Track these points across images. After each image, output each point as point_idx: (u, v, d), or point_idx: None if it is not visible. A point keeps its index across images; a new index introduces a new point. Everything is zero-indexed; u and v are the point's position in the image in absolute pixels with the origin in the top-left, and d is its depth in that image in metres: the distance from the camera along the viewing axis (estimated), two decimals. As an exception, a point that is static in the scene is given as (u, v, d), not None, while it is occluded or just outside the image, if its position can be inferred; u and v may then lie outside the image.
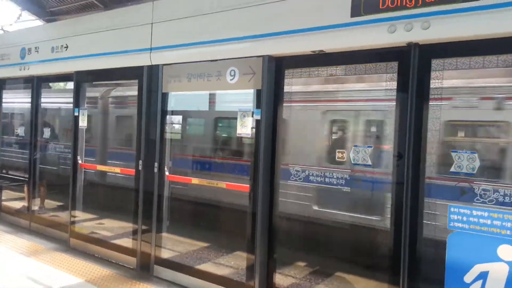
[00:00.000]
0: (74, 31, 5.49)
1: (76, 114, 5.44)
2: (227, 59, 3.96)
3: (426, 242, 3.01)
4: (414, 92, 2.99)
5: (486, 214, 2.75)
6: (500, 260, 2.69)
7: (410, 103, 3.00)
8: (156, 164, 4.51)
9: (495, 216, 2.72)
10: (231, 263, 4.20)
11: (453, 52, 2.91)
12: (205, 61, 4.13)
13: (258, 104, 3.76)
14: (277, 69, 3.76)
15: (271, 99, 3.75)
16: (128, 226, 4.80)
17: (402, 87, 3.08)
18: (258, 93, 3.76)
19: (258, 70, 3.74)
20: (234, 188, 4.14)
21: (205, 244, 4.54)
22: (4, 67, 6.58)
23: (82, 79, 5.45)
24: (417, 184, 2.97)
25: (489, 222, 2.73)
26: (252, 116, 3.87)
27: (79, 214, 5.49)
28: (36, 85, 6.24)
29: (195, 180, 4.38)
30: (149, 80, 4.60)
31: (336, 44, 3.32)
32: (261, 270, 3.72)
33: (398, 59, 3.13)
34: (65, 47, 5.59)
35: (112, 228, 5.26)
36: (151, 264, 4.52)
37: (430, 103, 2.96)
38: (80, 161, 5.43)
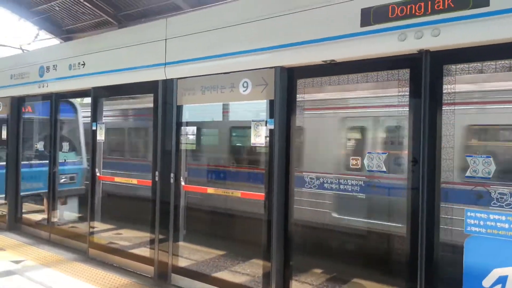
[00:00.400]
0: (90, 49, 5.67)
1: (94, 128, 5.58)
2: (240, 71, 4.05)
3: (443, 247, 3.02)
4: (427, 98, 3.02)
5: (503, 218, 2.75)
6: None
7: (424, 109, 3.03)
8: (172, 175, 4.60)
9: (512, 220, 2.71)
10: (247, 271, 4.24)
11: (464, 58, 2.95)
12: (218, 73, 4.23)
13: (271, 114, 3.83)
14: (289, 79, 3.83)
15: (283, 108, 3.81)
16: (146, 235, 4.89)
17: (414, 94, 3.12)
18: (271, 103, 3.83)
19: (271, 81, 3.82)
20: (249, 196, 4.19)
21: (222, 252, 4.59)
22: (24, 85, 6.81)
23: (99, 94, 5.61)
24: (432, 189, 2.99)
25: (506, 226, 2.73)
26: (266, 126, 3.93)
27: (98, 225, 5.60)
28: (55, 101, 6.44)
29: (210, 190, 4.45)
30: (164, 93, 4.71)
31: (347, 53, 3.38)
32: (277, 278, 3.75)
33: (409, 66, 3.18)
34: (82, 64, 5.77)
35: (130, 238, 5.35)
36: (169, 273, 4.59)
37: (443, 108, 3.00)
38: (98, 174, 5.56)
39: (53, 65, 6.26)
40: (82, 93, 5.92)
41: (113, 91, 5.52)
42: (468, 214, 2.86)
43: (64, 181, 6.89)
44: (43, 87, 6.44)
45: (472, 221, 2.84)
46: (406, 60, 3.17)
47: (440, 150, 2.99)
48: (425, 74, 3.04)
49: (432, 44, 2.97)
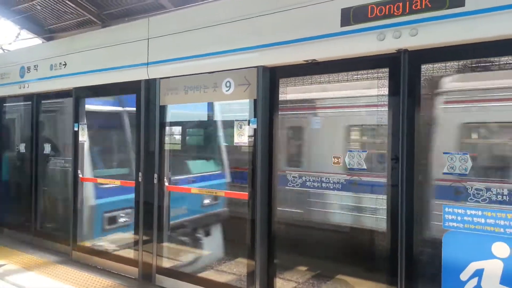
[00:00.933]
0: (72, 49, 5.61)
1: (76, 129, 5.52)
2: (222, 71, 4.06)
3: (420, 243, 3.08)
4: (405, 96, 3.08)
5: (480, 213, 2.82)
6: (494, 257, 2.75)
7: (402, 107, 3.08)
8: (155, 175, 4.58)
9: (488, 215, 2.78)
10: (233, 270, 4.25)
11: (441, 57, 3.01)
12: (201, 73, 4.23)
13: (254, 114, 3.85)
14: (271, 79, 3.86)
15: (266, 108, 3.84)
16: (130, 237, 4.86)
17: (393, 92, 3.18)
18: (254, 103, 3.85)
19: (253, 80, 3.84)
20: (233, 196, 4.21)
21: (207, 252, 4.59)
22: (4, 85, 6.69)
23: (81, 94, 5.54)
24: (411, 186, 3.05)
25: (483, 220, 2.80)
26: (249, 125, 3.95)
27: (81, 227, 5.54)
28: (36, 102, 6.34)
29: (194, 190, 4.45)
30: (147, 93, 4.69)
31: (327, 53, 3.42)
32: (261, 276, 3.77)
33: (388, 65, 3.23)
34: (63, 65, 5.70)
35: (113, 239, 5.31)
36: (153, 274, 4.57)
37: (420, 107, 3.06)
38: (80, 175, 5.50)
39: (34, 65, 6.17)
40: (63, 94, 5.84)
41: (95, 92, 5.47)
42: (446, 209, 2.92)
43: (208, 202, 5.05)
44: (24, 87, 6.33)
45: (450, 217, 2.91)
46: (385, 59, 3.22)
47: (418, 148, 3.05)
48: (403, 73, 3.09)
49: (410, 44, 3.03)
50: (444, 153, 2.99)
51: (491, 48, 2.81)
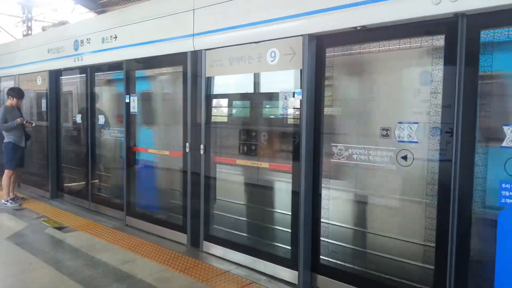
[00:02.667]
0: (121, 22, 5.74)
1: (127, 100, 5.72)
2: (267, 40, 3.98)
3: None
4: (462, 64, 2.86)
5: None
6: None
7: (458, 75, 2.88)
8: (202, 146, 4.67)
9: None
10: (276, 239, 4.31)
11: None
12: (245, 43, 4.18)
13: (300, 84, 3.77)
14: (317, 48, 3.73)
15: (312, 78, 3.74)
16: (179, 204, 5.06)
17: (449, 60, 2.97)
18: (300, 73, 3.76)
19: (299, 50, 3.74)
20: (277, 168, 4.21)
21: (252, 221, 4.68)
22: (60, 58, 7.02)
23: (132, 67, 5.70)
24: (466, 156, 2.88)
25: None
26: (294, 97, 3.89)
27: (134, 195, 5.84)
28: (90, 74, 6.62)
29: (239, 161, 4.50)
30: (193, 65, 4.73)
31: (378, 18, 3.22)
32: (305, 248, 3.80)
33: (445, 31, 3.00)
34: (114, 37, 5.86)
35: (165, 207, 5.54)
36: (201, 240, 4.76)
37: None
38: (132, 145, 5.74)
39: (87, 39, 6.40)
40: (115, 66, 6.04)
41: (144, 64, 5.60)
42: (503, 185, 2.74)
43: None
44: (78, 60, 6.62)
45: (507, 193, 2.73)
46: (441, 24, 2.99)
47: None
48: (460, 40, 2.86)
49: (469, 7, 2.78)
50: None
51: None
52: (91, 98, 6.66)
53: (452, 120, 2.93)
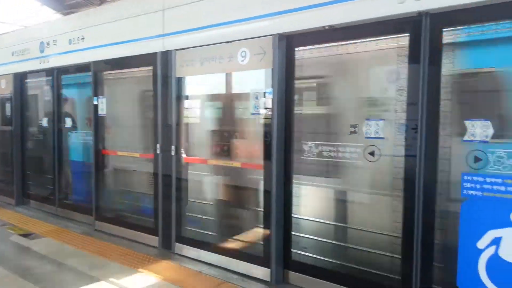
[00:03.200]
0: (89, 22, 5.64)
1: (95, 102, 5.61)
2: (237, 40, 4.00)
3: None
4: (426, 61, 2.97)
5: (500, 180, 2.74)
6: (513, 225, 2.70)
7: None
8: (173, 148, 4.63)
9: (509, 182, 2.71)
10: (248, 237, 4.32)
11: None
12: (216, 43, 4.19)
13: (270, 84, 3.80)
14: (287, 47, 3.79)
15: (282, 78, 3.78)
16: (150, 207, 4.98)
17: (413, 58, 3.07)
18: (270, 73, 3.79)
19: (269, 49, 3.78)
20: (249, 167, 4.23)
21: (225, 220, 4.67)
22: (25, 61, 6.81)
23: (100, 68, 5.60)
24: (430, 152, 2.98)
25: (503, 188, 2.73)
26: (265, 96, 3.92)
27: (103, 199, 5.71)
28: (56, 76, 6.45)
29: (211, 161, 4.49)
30: (164, 65, 4.69)
31: (345, 17, 3.30)
32: (277, 245, 3.82)
33: (409, 30, 3.11)
34: (81, 39, 5.74)
35: (135, 210, 5.45)
36: (172, 242, 4.70)
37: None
38: (101, 148, 5.62)
39: (53, 40, 6.24)
40: (83, 68, 5.91)
41: (113, 65, 5.51)
42: (465, 177, 2.85)
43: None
44: (44, 62, 6.44)
45: (469, 185, 2.84)
46: (405, 23, 3.10)
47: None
48: (424, 37, 2.97)
49: (432, 6, 2.89)
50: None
51: None
52: (58, 101, 6.48)
53: (417, 117, 3.03)
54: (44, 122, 6.78)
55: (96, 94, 5.62)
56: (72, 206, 6.35)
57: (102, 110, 5.57)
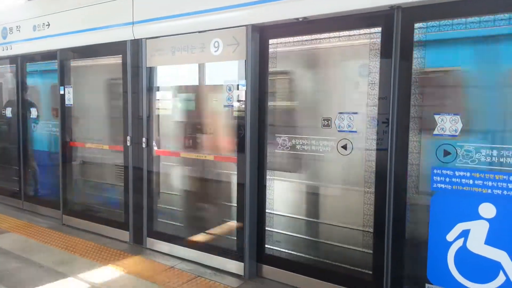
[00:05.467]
0: (55, 8, 5.38)
1: (62, 92, 5.39)
2: (210, 30, 3.90)
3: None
4: (398, 56, 2.98)
5: (468, 174, 2.79)
6: (481, 218, 2.76)
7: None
8: (144, 140, 4.51)
9: (477, 176, 2.77)
10: (222, 232, 4.28)
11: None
12: (188, 33, 4.08)
13: (244, 76, 3.74)
14: (261, 39, 3.72)
15: (256, 69, 3.72)
16: (121, 200, 4.85)
17: (385, 52, 3.07)
18: (243, 64, 3.73)
19: (242, 40, 3.70)
20: (222, 160, 4.17)
21: (198, 214, 4.61)
22: (-14, 47, 6.46)
23: (67, 56, 5.37)
24: (400, 146, 3.00)
25: (471, 182, 2.79)
26: (238, 89, 3.86)
27: (71, 192, 5.52)
28: (21, 64, 6.16)
29: (183, 154, 4.40)
30: (134, 54, 4.54)
31: (319, 9, 3.26)
32: (250, 239, 3.80)
33: (381, 24, 3.10)
34: (47, 25, 5.49)
35: (105, 203, 5.31)
36: (144, 237, 4.60)
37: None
38: (68, 140, 5.42)
39: (17, 26, 5.93)
40: (49, 56, 5.66)
41: (80, 53, 5.29)
42: (435, 171, 2.89)
43: None
44: (7, 49, 6.13)
45: (438, 178, 2.88)
46: (377, 17, 3.09)
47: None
48: (396, 31, 2.98)
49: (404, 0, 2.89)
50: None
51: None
52: (22, 90, 6.20)
53: (388, 111, 3.05)
54: (8, 112, 6.47)
55: (62, 83, 5.39)
56: (39, 200, 6.12)
57: (69, 100, 5.36)
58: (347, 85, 3.48)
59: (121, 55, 4.66)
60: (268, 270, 3.81)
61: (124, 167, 4.75)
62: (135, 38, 4.48)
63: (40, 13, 5.56)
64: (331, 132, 3.41)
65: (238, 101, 3.88)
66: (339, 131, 3.36)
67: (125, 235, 4.78)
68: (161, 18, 4.24)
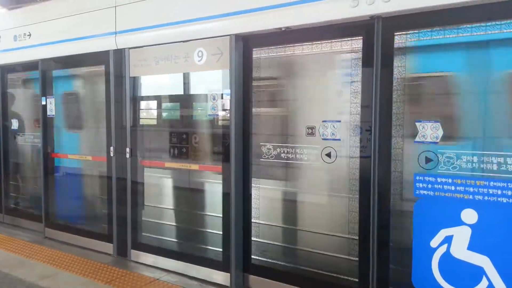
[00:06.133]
0: (36, 18, 5.32)
1: (43, 103, 5.31)
2: (194, 39, 3.90)
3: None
4: (379, 65, 3.02)
5: (450, 180, 2.83)
6: (463, 223, 2.79)
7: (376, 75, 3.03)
8: (128, 150, 4.46)
9: (458, 182, 2.80)
10: (207, 244, 4.23)
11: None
12: (171, 42, 4.07)
13: (228, 85, 3.74)
14: (245, 48, 3.74)
15: (240, 78, 3.73)
16: (104, 212, 4.77)
17: (366, 61, 3.11)
18: (227, 74, 3.73)
19: (226, 50, 3.71)
20: (208, 169, 4.15)
21: (183, 226, 4.55)
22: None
23: (48, 67, 5.30)
24: (385, 155, 3.03)
25: (453, 188, 2.82)
26: (222, 98, 3.86)
27: (53, 204, 5.42)
28: (1, 75, 6.06)
29: (168, 164, 4.36)
30: (117, 64, 4.51)
31: (301, 19, 3.30)
32: (236, 249, 3.77)
33: (362, 33, 3.15)
34: (28, 35, 5.42)
35: (88, 216, 5.21)
36: (128, 249, 4.52)
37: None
38: (50, 151, 5.33)
39: (-4, 37, 5.85)
40: (31, 66, 5.58)
41: (62, 64, 5.23)
42: (417, 178, 2.92)
43: None
44: (-13, 60, 6.02)
45: (421, 185, 2.91)
46: (359, 26, 3.13)
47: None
48: (377, 41, 3.02)
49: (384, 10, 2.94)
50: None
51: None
52: (3, 101, 6.09)
53: (371, 119, 3.08)
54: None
55: (44, 93, 5.32)
56: (21, 212, 5.98)
57: (51, 110, 5.28)
58: (331, 94, 3.50)
59: (103, 65, 4.62)
60: (254, 280, 3.78)
61: (108, 178, 4.69)
62: (118, 48, 4.45)
63: (21, 23, 5.49)
64: (315, 140, 3.42)
65: (223, 110, 3.88)
66: (323, 139, 3.37)
67: (109, 247, 4.70)
68: (144, 28, 4.22)
